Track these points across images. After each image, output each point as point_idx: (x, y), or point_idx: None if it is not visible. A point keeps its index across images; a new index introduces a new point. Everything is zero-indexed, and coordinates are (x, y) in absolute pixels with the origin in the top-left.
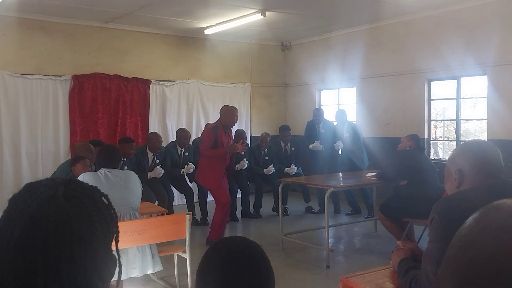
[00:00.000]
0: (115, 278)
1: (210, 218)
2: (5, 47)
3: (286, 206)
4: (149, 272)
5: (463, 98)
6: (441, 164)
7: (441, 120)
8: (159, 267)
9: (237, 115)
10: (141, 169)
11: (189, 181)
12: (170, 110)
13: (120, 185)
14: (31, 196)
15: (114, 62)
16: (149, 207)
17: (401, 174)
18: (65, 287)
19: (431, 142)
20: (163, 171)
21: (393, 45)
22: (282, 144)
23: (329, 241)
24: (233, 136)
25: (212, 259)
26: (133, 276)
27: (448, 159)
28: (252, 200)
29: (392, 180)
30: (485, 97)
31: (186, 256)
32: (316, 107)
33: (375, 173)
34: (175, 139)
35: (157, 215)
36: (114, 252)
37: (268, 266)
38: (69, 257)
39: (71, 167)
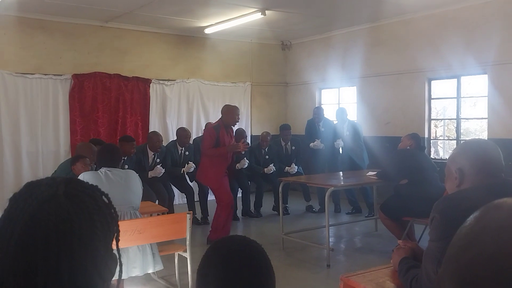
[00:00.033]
0: (115, 277)
1: (210, 217)
2: (5, 46)
3: (287, 205)
4: (150, 271)
5: (464, 97)
6: (441, 163)
7: (442, 119)
8: (159, 266)
9: (239, 114)
10: (141, 168)
11: (190, 180)
12: (171, 109)
13: (121, 184)
14: (31, 195)
15: (114, 61)
16: (150, 206)
17: (402, 173)
18: (66, 286)
19: (431, 141)
20: (163, 170)
21: (394, 44)
22: (283, 143)
23: (330, 240)
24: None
25: (213, 258)
26: (133, 275)
27: (449, 158)
28: (252, 199)
29: (393, 179)
30: (485, 96)
31: (187, 255)
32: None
33: (375, 172)
34: (175, 138)
35: (158, 214)
36: (115, 251)
37: (268, 265)
38: (70, 256)
39: (71, 166)
